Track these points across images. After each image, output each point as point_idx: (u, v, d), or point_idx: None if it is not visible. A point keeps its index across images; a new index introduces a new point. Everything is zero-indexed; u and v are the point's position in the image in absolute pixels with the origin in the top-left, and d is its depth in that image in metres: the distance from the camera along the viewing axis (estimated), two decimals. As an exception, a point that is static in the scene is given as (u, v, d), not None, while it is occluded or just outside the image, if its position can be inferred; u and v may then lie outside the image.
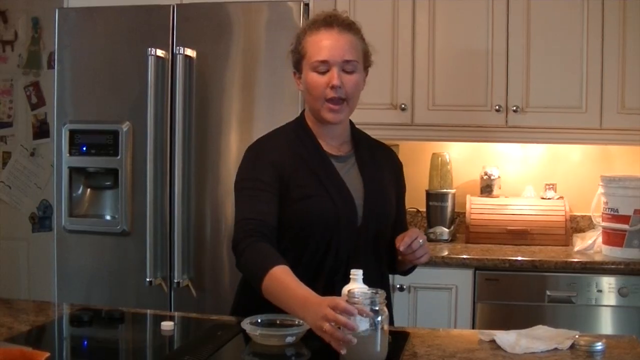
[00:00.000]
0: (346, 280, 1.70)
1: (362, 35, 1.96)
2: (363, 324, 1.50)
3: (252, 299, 1.82)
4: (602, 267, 2.85)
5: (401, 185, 2.12)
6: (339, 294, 1.67)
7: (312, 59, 1.88)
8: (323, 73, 1.88)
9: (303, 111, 2.04)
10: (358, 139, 2.04)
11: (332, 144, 1.98)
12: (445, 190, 3.34)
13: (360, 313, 1.49)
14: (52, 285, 3.09)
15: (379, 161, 2.04)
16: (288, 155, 1.92)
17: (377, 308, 1.53)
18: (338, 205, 1.89)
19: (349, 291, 1.58)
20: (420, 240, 1.83)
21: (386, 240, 1.99)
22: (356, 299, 1.53)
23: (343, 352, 1.49)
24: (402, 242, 1.81)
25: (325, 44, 1.88)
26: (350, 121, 2.05)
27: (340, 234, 1.89)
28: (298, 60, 1.94)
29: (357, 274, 1.67)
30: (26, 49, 4.27)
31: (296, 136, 1.97)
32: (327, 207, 1.88)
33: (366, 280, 1.69)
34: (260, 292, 1.73)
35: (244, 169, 1.95)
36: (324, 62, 1.87)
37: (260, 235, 1.81)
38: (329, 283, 1.86)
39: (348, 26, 1.92)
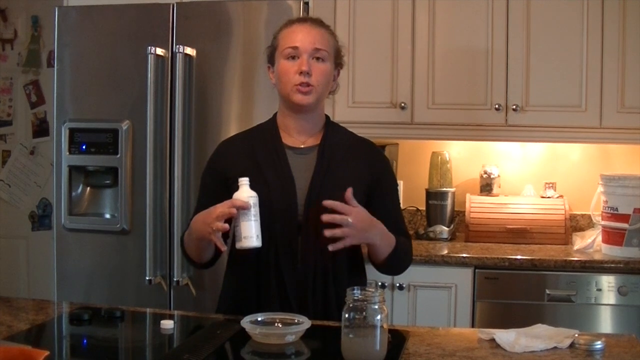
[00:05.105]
0: (295, 272, 1.91)
1: (335, 35, 2.06)
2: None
3: (233, 307, 1.97)
4: (602, 266, 2.85)
5: (383, 182, 2.06)
6: (291, 289, 1.91)
7: (284, 47, 1.97)
8: (294, 59, 1.95)
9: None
10: (331, 134, 2.04)
11: (298, 137, 2.03)
12: (444, 189, 3.34)
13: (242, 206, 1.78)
14: (52, 283, 3.09)
15: (352, 156, 2.02)
16: (239, 152, 2.02)
17: (376, 307, 1.53)
18: (272, 190, 1.93)
19: (348, 290, 1.58)
20: (350, 220, 1.81)
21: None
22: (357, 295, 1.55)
23: (223, 249, 1.86)
24: (328, 215, 1.81)
25: (297, 33, 1.98)
26: (327, 117, 2.08)
27: (277, 221, 1.91)
28: (272, 52, 2.03)
29: (244, 180, 1.82)
30: (26, 48, 4.27)
31: (259, 131, 2.07)
32: (261, 191, 1.89)
33: (318, 281, 1.92)
34: (194, 259, 2.02)
35: (205, 166, 2.12)
36: (295, 48, 1.95)
37: None
38: (279, 277, 1.92)
39: (320, 22, 2.03)
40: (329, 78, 2.00)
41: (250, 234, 1.79)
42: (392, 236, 1.97)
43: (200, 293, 2.93)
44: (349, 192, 1.84)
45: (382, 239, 1.94)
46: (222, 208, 1.80)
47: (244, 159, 2.00)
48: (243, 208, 1.79)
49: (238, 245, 1.81)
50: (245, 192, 1.81)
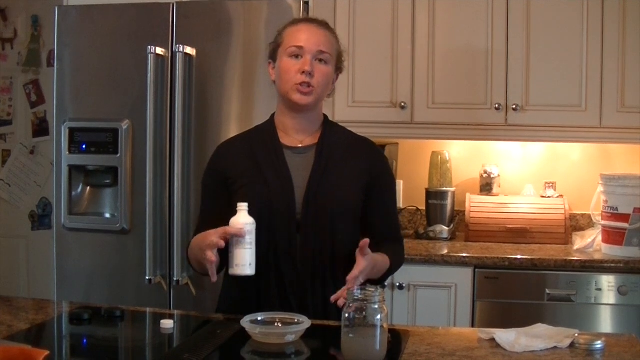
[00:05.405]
0: (295, 271, 1.91)
1: (339, 39, 2.07)
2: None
3: (233, 307, 1.99)
4: (602, 265, 2.85)
5: (381, 181, 2.06)
6: (291, 288, 1.91)
7: (289, 45, 1.98)
8: (297, 58, 1.96)
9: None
10: (329, 133, 2.05)
11: (296, 137, 2.03)
12: (445, 189, 3.34)
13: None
14: (52, 283, 3.09)
15: (351, 155, 2.03)
16: (238, 153, 2.02)
17: (376, 306, 1.53)
18: (272, 189, 1.93)
19: (348, 289, 1.58)
20: (360, 278, 1.81)
21: (341, 238, 1.96)
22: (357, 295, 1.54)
23: (214, 279, 1.82)
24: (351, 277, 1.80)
25: (303, 33, 1.99)
26: (326, 117, 2.09)
27: (277, 220, 1.92)
28: (275, 49, 2.03)
29: (242, 205, 1.78)
30: (26, 47, 4.27)
31: (258, 132, 2.07)
32: (261, 191, 1.91)
33: (317, 280, 1.93)
34: (199, 272, 2.01)
35: (205, 169, 2.11)
36: (299, 47, 1.96)
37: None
38: (279, 277, 1.93)
39: (326, 25, 2.05)
40: (329, 80, 2.01)
41: (243, 262, 1.76)
42: (387, 260, 1.97)
43: (200, 293, 2.93)
44: (365, 243, 1.80)
45: (379, 272, 1.95)
46: (214, 236, 1.77)
47: (244, 160, 2.00)
48: (237, 235, 1.76)
49: (230, 271, 1.79)
50: (242, 219, 1.77)
